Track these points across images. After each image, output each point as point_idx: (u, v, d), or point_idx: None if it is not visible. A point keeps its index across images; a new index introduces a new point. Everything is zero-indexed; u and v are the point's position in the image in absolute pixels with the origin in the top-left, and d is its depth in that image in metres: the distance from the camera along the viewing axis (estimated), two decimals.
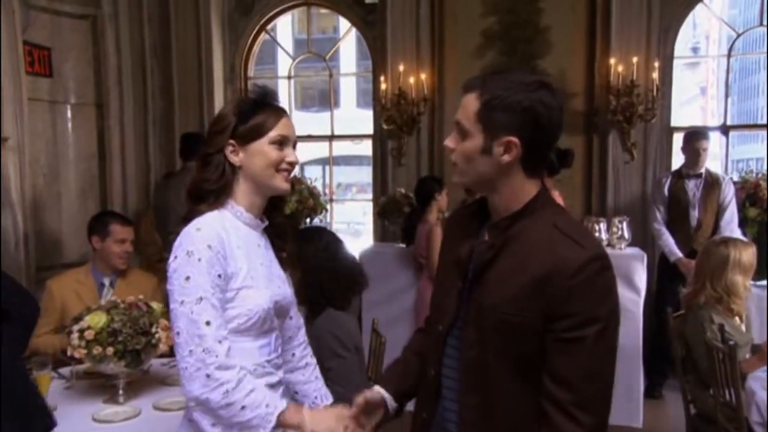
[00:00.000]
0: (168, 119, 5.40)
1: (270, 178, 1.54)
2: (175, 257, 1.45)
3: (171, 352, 1.71)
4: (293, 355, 1.75)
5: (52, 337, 2.72)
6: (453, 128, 1.36)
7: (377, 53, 5.27)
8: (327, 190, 5.65)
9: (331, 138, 5.88)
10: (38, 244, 4.27)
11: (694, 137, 4.28)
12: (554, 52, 4.82)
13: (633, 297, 3.74)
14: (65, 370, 2.43)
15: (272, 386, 1.57)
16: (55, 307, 2.79)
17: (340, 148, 7.70)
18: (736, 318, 2.88)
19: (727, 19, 6.03)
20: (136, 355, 2.16)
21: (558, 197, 2.96)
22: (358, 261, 2.56)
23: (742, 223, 4.15)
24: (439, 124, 5.00)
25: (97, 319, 2.15)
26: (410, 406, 1.54)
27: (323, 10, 5.97)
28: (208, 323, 1.41)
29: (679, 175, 4.31)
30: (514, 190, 1.30)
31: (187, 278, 1.42)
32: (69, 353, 2.17)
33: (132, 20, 5.07)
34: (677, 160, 4.72)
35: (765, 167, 4.73)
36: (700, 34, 20.01)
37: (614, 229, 4.05)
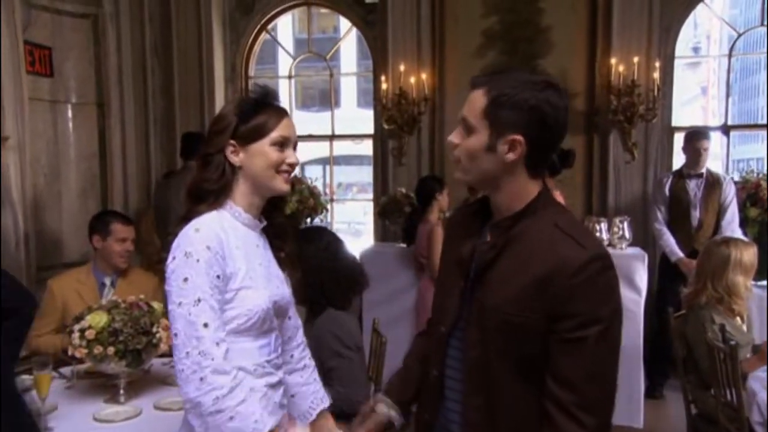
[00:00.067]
0: (169, 118, 5.41)
1: (270, 179, 1.53)
2: (174, 258, 1.44)
3: (171, 352, 1.71)
4: (291, 356, 1.74)
5: (53, 337, 2.72)
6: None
7: (378, 53, 5.27)
8: (327, 190, 5.66)
9: (332, 138, 5.88)
10: (39, 243, 4.27)
11: (695, 137, 4.28)
12: (555, 51, 4.82)
13: (634, 297, 3.74)
14: (66, 370, 2.43)
15: (272, 386, 1.57)
16: (56, 307, 2.79)
17: (341, 147, 7.71)
18: (737, 318, 2.87)
19: (727, 18, 6.03)
20: (137, 355, 2.16)
21: (559, 197, 2.95)
22: (359, 261, 2.57)
23: (743, 223, 4.15)
24: (440, 124, 5.00)
25: (98, 319, 2.15)
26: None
27: (324, 10, 5.98)
28: (206, 325, 1.40)
29: (680, 175, 4.30)
30: (516, 190, 1.30)
31: (186, 279, 1.42)
32: (70, 353, 2.18)
33: (133, 19, 5.07)
34: (678, 160, 4.72)
35: (765, 167, 4.73)
36: (701, 34, 20.00)
37: (615, 229, 4.05)
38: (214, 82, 5.41)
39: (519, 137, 1.25)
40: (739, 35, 5.27)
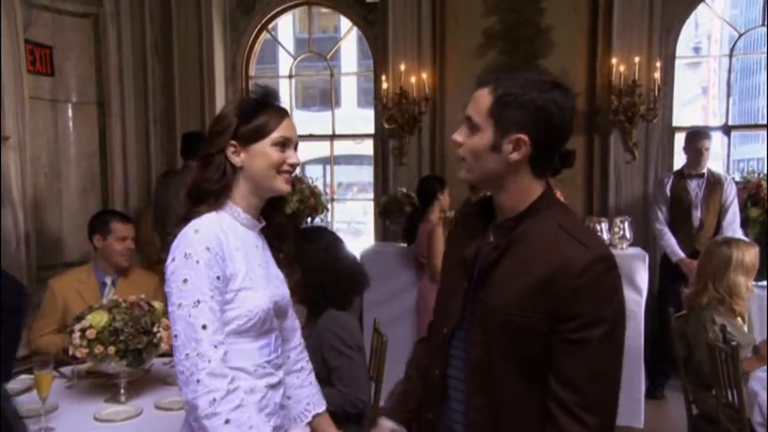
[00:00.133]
0: (169, 118, 5.41)
1: (271, 180, 1.52)
2: (173, 259, 1.44)
3: (172, 352, 1.70)
4: (288, 357, 1.73)
5: (54, 337, 2.72)
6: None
7: (378, 52, 5.27)
8: (328, 190, 5.65)
9: (332, 137, 5.88)
10: (39, 242, 4.27)
11: (696, 137, 4.28)
12: (556, 51, 4.81)
13: (635, 297, 3.73)
14: (66, 370, 2.43)
15: (273, 387, 1.56)
16: (57, 307, 2.79)
17: (341, 147, 7.70)
18: (738, 319, 2.87)
19: (728, 18, 6.03)
20: (138, 355, 2.16)
21: (560, 197, 2.95)
22: (359, 261, 2.56)
23: (744, 224, 4.15)
24: (441, 124, 5.00)
25: (98, 318, 2.15)
26: None
27: (324, 10, 5.97)
28: (204, 327, 1.40)
29: (681, 175, 4.30)
30: (520, 189, 1.30)
31: (185, 281, 1.41)
32: (71, 352, 2.17)
33: (133, 19, 5.07)
34: (679, 160, 4.72)
35: (766, 167, 4.73)
36: (702, 34, 19.99)
37: (616, 229, 4.05)
38: (215, 82, 5.41)
39: (524, 137, 1.25)
40: (740, 35, 5.27)
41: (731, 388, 2.55)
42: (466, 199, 4.01)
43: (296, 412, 1.74)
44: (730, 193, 4.16)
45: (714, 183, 4.21)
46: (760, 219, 4.08)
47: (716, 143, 4.67)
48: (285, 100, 1.63)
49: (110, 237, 2.88)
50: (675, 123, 4.90)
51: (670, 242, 4.23)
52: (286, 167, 1.53)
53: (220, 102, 5.39)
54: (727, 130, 5.02)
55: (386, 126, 5.05)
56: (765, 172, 4.33)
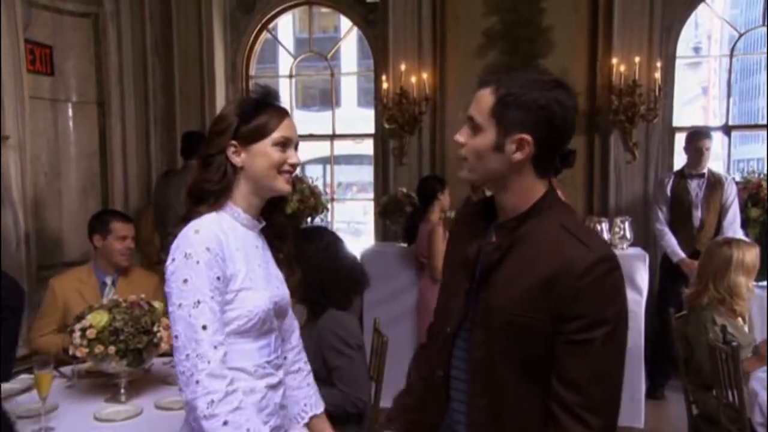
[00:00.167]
0: (169, 117, 5.40)
1: (272, 180, 1.52)
2: (173, 260, 1.44)
3: (172, 352, 1.70)
4: (286, 358, 1.73)
5: (54, 337, 2.72)
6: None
7: (379, 52, 5.27)
8: (328, 190, 5.65)
9: (333, 137, 5.88)
10: (39, 242, 4.27)
11: (697, 137, 4.28)
12: (556, 51, 4.81)
13: (635, 297, 3.73)
14: (67, 369, 2.43)
15: (273, 387, 1.56)
16: (57, 306, 2.79)
17: (341, 147, 7.69)
18: (739, 319, 2.87)
19: (728, 19, 6.02)
20: (138, 354, 2.16)
21: (562, 197, 2.95)
22: (359, 261, 2.56)
23: (744, 224, 4.14)
24: (441, 124, 5.00)
25: (99, 318, 2.15)
26: None
27: (324, 9, 5.97)
28: (204, 327, 1.40)
29: (682, 175, 4.30)
30: (523, 189, 1.30)
31: (185, 281, 1.41)
32: (71, 352, 2.17)
33: (134, 18, 5.07)
34: (679, 160, 4.72)
35: (766, 168, 4.72)
36: (702, 34, 20.00)
37: (616, 229, 4.05)
38: (215, 81, 5.40)
39: (527, 137, 1.24)
40: (740, 35, 5.27)
41: (732, 389, 2.55)
42: (466, 199, 4.01)
43: (293, 413, 1.73)
44: (731, 194, 4.16)
45: (714, 183, 4.20)
46: (760, 219, 4.08)
47: (716, 143, 4.67)
48: (285, 99, 1.63)
49: (110, 237, 2.88)
50: (675, 123, 4.91)
51: (671, 242, 4.23)
52: (286, 167, 1.53)
53: (220, 102, 5.39)
54: (727, 130, 5.02)
55: (386, 126, 5.05)
56: (765, 172, 4.33)
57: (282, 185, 1.54)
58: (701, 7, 4.93)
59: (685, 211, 4.24)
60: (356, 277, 2.38)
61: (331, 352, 2.18)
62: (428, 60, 5.01)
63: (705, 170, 4.24)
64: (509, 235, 1.30)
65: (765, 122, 5.60)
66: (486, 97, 1.28)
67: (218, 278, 1.43)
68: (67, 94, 4.59)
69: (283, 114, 1.54)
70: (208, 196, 1.51)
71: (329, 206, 4.81)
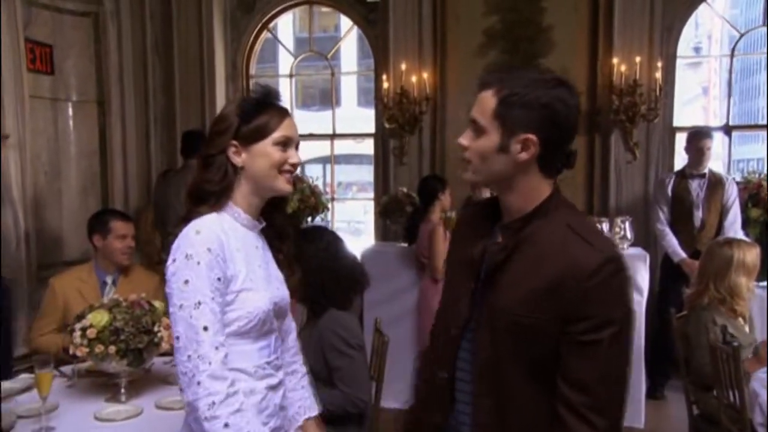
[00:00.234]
0: (169, 117, 5.40)
1: (272, 180, 1.52)
2: (174, 260, 1.43)
3: (173, 351, 1.70)
4: (282, 359, 1.73)
5: (54, 336, 2.71)
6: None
7: (379, 52, 5.26)
8: (328, 189, 5.65)
9: (333, 137, 5.88)
10: (39, 241, 4.27)
11: (698, 136, 4.27)
12: (557, 51, 4.81)
13: (636, 297, 3.73)
14: (67, 369, 2.42)
15: (273, 388, 1.56)
16: (57, 305, 2.79)
17: (341, 146, 7.69)
18: (740, 319, 2.87)
19: (727, 18, 6.02)
20: (138, 354, 2.16)
21: None
22: (360, 260, 2.56)
23: (745, 224, 4.14)
24: (442, 123, 4.99)
25: (99, 318, 2.15)
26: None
27: (325, 9, 5.96)
28: (205, 328, 1.39)
29: (683, 175, 4.30)
30: (529, 190, 1.29)
31: (186, 282, 1.40)
32: (71, 351, 2.17)
33: (134, 17, 5.07)
34: (679, 160, 4.72)
35: (765, 168, 4.72)
36: (702, 34, 20.00)
37: (617, 229, 4.04)
38: (215, 81, 5.41)
39: (532, 136, 1.24)
40: (741, 35, 5.27)
41: (732, 389, 2.55)
42: (467, 199, 4.01)
43: (287, 415, 1.73)
44: (732, 194, 4.16)
45: (715, 183, 4.20)
46: (760, 219, 4.08)
47: (717, 143, 4.67)
48: (285, 99, 1.62)
49: (110, 236, 2.87)
50: (676, 123, 4.90)
51: (672, 243, 4.23)
52: (287, 167, 1.52)
53: (220, 101, 5.39)
54: (728, 130, 5.02)
55: (387, 125, 5.05)
56: (765, 172, 4.33)
57: (283, 185, 1.53)
58: (702, 6, 4.92)
59: (686, 211, 4.24)
60: (356, 277, 2.37)
61: (333, 353, 2.18)
62: (429, 59, 5.01)
63: (706, 170, 4.24)
64: (515, 236, 1.29)
65: (765, 122, 5.60)
66: (488, 99, 1.27)
67: (219, 279, 1.43)
68: (67, 93, 4.60)
69: (284, 113, 1.54)
70: (209, 196, 1.50)
71: (329, 206, 4.81)
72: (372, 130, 5.46)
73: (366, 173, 8.56)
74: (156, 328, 2.19)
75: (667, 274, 4.31)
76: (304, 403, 1.77)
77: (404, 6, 5.03)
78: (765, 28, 4.94)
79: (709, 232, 4.16)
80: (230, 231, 1.49)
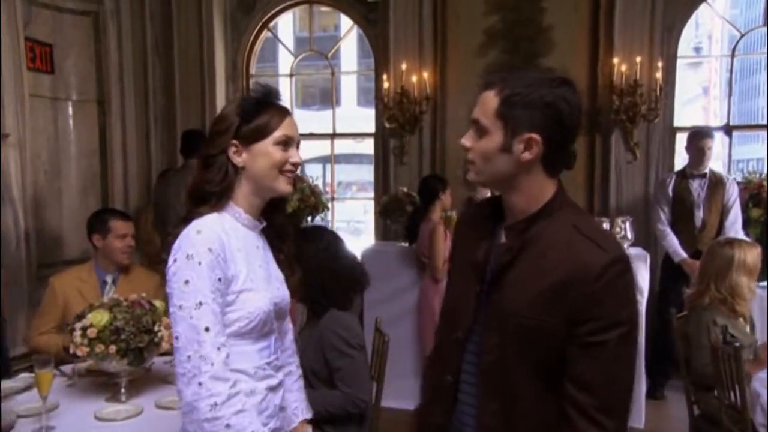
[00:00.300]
0: (169, 116, 5.40)
1: (273, 180, 1.51)
2: (175, 260, 1.43)
3: (173, 351, 1.70)
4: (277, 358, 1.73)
5: (53, 336, 2.71)
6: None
7: (379, 51, 5.26)
8: (328, 189, 5.64)
9: (333, 136, 5.87)
10: (39, 240, 4.27)
11: (699, 136, 4.27)
12: (557, 50, 4.81)
13: (636, 297, 3.73)
14: (67, 368, 2.42)
15: (273, 389, 1.56)
16: (57, 304, 2.78)
17: (341, 146, 7.69)
18: (741, 319, 2.87)
19: (728, 18, 6.02)
20: (139, 354, 2.16)
21: None
22: (360, 260, 2.55)
23: (746, 224, 4.14)
24: (442, 123, 4.98)
25: (99, 317, 2.14)
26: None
27: (325, 8, 5.96)
28: (207, 329, 1.39)
29: (683, 175, 4.29)
30: (533, 190, 1.28)
31: (187, 282, 1.40)
32: (71, 351, 2.17)
33: (134, 17, 5.07)
34: (680, 160, 4.71)
35: (765, 168, 4.72)
36: (703, 34, 20.00)
37: (617, 229, 4.03)
38: (215, 80, 5.40)
39: (535, 136, 1.23)
40: (742, 35, 5.26)
41: (733, 389, 2.54)
42: (468, 199, 4.01)
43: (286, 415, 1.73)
44: (733, 194, 4.16)
45: (716, 183, 4.20)
46: (761, 219, 4.08)
47: (717, 143, 4.66)
48: (285, 98, 1.61)
49: (110, 235, 2.87)
50: (676, 123, 4.90)
51: (673, 243, 4.22)
52: (288, 167, 1.52)
53: (220, 101, 5.38)
54: (728, 130, 5.01)
55: (387, 125, 5.04)
56: (765, 172, 4.33)
57: (283, 186, 1.53)
58: (702, 6, 4.92)
59: (686, 211, 4.23)
60: (356, 277, 2.37)
61: (333, 353, 2.18)
62: (429, 59, 5.01)
63: (707, 170, 4.24)
64: (520, 237, 1.28)
65: (765, 122, 5.59)
66: (490, 99, 1.26)
67: (219, 279, 1.43)
68: (67, 92, 4.59)
69: (284, 113, 1.53)
70: (210, 196, 1.50)
71: (329, 205, 4.81)
72: (372, 129, 5.45)
73: (366, 173, 8.56)
74: (156, 328, 2.19)
75: (667, 274, 4.31)
76: (300, 404, 1.77)
77: (404, 5, 5.03)
78: (765, 28, 4.94)
79: (709, 232, 4.15)
80: (231, 231, 1.49)
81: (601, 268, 1.19)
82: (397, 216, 4.55)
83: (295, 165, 1.53)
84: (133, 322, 2.15)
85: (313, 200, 4.35)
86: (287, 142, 1.52)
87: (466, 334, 1.36)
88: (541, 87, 1.23)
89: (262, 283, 1.53)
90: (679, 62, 4.94)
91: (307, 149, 5.64)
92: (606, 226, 4.01)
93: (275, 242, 1.64)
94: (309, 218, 4.40)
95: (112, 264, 2.89)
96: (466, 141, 1.30)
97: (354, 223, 9.33)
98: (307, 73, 7.71)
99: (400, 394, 3.44)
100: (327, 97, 6.91)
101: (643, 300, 3.80)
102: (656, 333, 4.19)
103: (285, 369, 1.70)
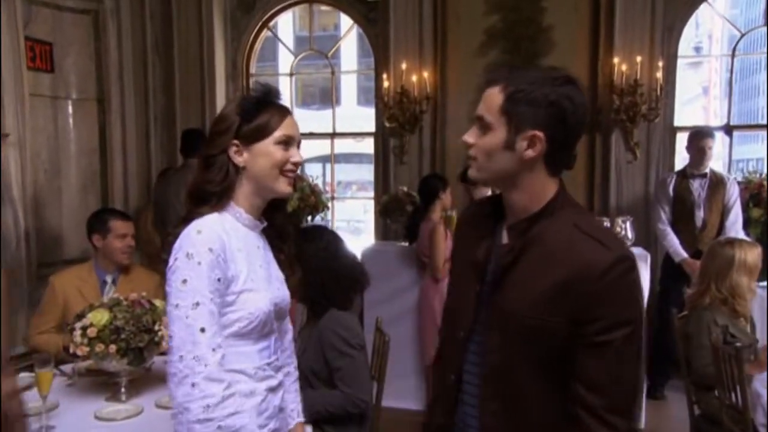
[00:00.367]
0: (169, 115, 5.40)
1: (273, 180, 1.50)
2: (176, 259, 1.42)
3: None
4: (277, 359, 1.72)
5: (53, 336, 2.71)
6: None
7: (379, 51, 5.26)
8: (328, 188, 5.64)
9: (333, 135, 5.87)
10: (39, 240, 4.27)
11: (699, 136, 4.27)
12: (557, 50, 4.80)
13: None
14: (67, 368, 2.42)
15: (272, 389, 1.55)
16: (57, 303, 2.78)
17: (341, 145, 7.68)
18: (741, 319, 2.87)
19: (728, 18, 6.01)
20: (139, 353, 2.15)
21: None
22: (359, 260, 2.55)
23: (746, 224, 4.14)
24: (442, 123, 4.98)
25: (99, 317, 2.14)
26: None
27: (325, 8, 5.95)
28: (203, 330, 1.38)
29: (684, 175, 4.29)
30: (535, 188, 1.27)
31: (184, 281, 1.39)
32: (71, 350, 2.16)
33: (134, 16, 5.06)
34: (680, 159, 4.71)
35: (765, 168, 4.72)
36: (703, 34, 20.00)
37: (618, 229, 4.03)
38: (215, 80, 5.40)
39: (538, 133, 1.22)
40: (742, 35, 5.26)
41: (734, 389, 2.54)
42: (471, 198, 4.00)
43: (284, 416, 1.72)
44: (733, 194, 4.16)
45: (717, 183, 4.20)
46: (761, 219, 4.08)
47: (717, 143, 4.66)
48: (285, 98, 1.61)
49: (110, 235, 2.87)
50: (676, 123, 4.89)
51: (673, 242, 4.22)
52: (289, 166, 1.51)
53: (220, 100, 5.38)
54: (728, 130, 5.01)
55: (387, 124, 5.04)
56: (765, 172, 4.33)
57: (283, 187, 1.52)
58: (702, 6, 4.91)
59: (687, 211, 4.23)
60: (356, 276, 2.37)
61: (333, 353, 2.17)
62: (429, 58, 5.00)
63: (707, 170, 4.23)
64: (522, 237, 1.27)
65: (765, 122, 5.59)
66: (495, 96, 1.26)
67: (219, 280, 1.42)
68: (67, 91, 4.59)
69: (285, 112, 1.53)
70: (210, 196, 1.49)
71: (329, 205, 4.80)
72: (372, 129, 5.45)
73: (366, 172, 8.55)
74: (156, 327, 2.19)
75: (668, 274, 4.30)
76: (297, 406, 1.76)
77: (405, 5, 5.03)
78: (765, 28, 4.93)
79: (710, 232, 4.15)
80: (232, 231, 1.48)
81: (606, 267, 1.18)
82: (397, 215, 4.55)
83: (296, 164, 1.53)
84: (133, 322, 2.15)
85: (313, 200, 4.35)
86: (288, 142, 1.51)
87: (467, 333, 1.35)
88: (545, 85, 1.22)
89: (263, 284, 1.52)
90: (680, 62, 4.93)
91: (307, 149, 5.62)
92: (606, 225, 4.01)
93: (276, 242, 1.64)
94: (309, 218, 4.40)
95: (112, 264, 2.89)
96: (469, 137, 1.30)
97: (354, 223, 9.32)
98: (307, 73, 7.71)
99: (401, 394, 3.45)
100: (327, 96, 6.90)
101: (643, 300, 3.80)
102: (657, 333, 4.18)
103: (284, 369, 1.70)
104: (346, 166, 14.16)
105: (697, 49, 16.32)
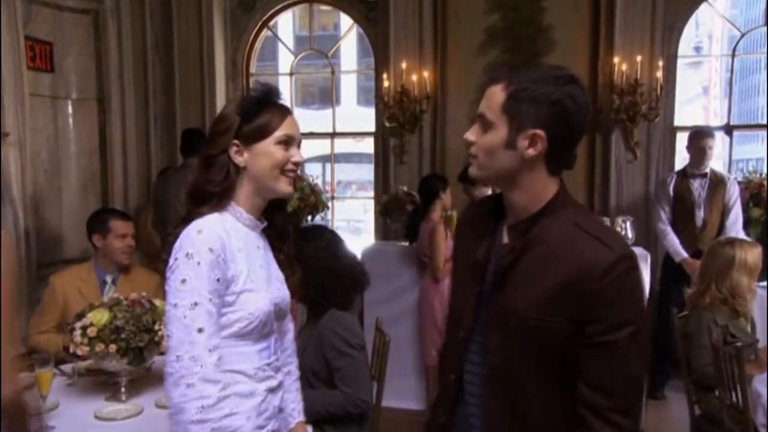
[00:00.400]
0: (169, 115, 5.40)
1: (274, 180, 1.50)
2: (175, 259, 1.42)
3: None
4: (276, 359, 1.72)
5: (53, 336, 2.71)
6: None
7: (379, 50, 5.25)
8: (328, 188, 5.64)
9: (333, 135, 5.87)
10: (39, 240, 4.27)
11: (700, 135, 4.27)
12: (557, 50, 4.80)
13: None
14: (67, 367, 2.42)
15: (272, 390, 1.55)
16: (56, 303, 2.78)
17: (341, 145, 7.68)
18: (741, 319, 2.86)
19: (728, 18, 6.01)
20: (139, 353, 2.15)
21: None
22: (360, 260, 2.55)
23: (746, 224, 4.14)
24: (442, 122, 4.97)
25: (99, 316, 2.14)
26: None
27: (325, 7, 5.95)
28: (200, 330, 1.38)
29: (684, 175, 4.29)
30: (535, 188, 1.27)
31: (183, 281, 1.39)
32: (71, 350, 2.16)
33: (134, 15, 5.06)
34: (680, 159, 4.71)
35: (765, 168, 4.72)
36: (703, 34, 20.00)
37: (618, 229, 4.03)
38: (215, 79, 5.39)
39: (540, 132, 1.22)
40: (742, 35, 5.26)
41: (735, 389, 2.54)
42: (471, 198, 4.00)
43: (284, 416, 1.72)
44: (734, 193, 4.15)
45: (717, 183, 4.19)
46: (762, 219, 4.08)
47: (717, 143, 4.66)
48: (285, 97, 1.61)
49: (110, 235, 2.87)
50: (676, 122, 4.89)
51: (673, 242, 4.22)
52: (290, 166, 1.51)
53: (220, 99, 5.38)
54: (728, 129, 5.01)
55: (387, 124, 5.03)
56: (765, 172, 4.33)
57: (284, 187, 1.52)
58: (702, 6, 4.91)
59: (687, 211, 4.23)
60: (356, 276, 2.37)
61: (333, 353, 2.17)
62: (429, 58, 5.00)
63: (707, 170, 4.23)
64: (522, 237, 1.27)
65: (765, 122, 5.59)
66: (497, 93, 1.25)
67: (218, 280, 1.42)
68: (67, 90, 4.59)
69: (285, 112, 1.53)
70: (211, 197, 1.49)
71: (329, 204, 4.80)
72: (372, 128, 5.45)
73: (366, 172, 8.55)
74: (156, 327, 2.18)
75: (668, 273, 4.30)
76: (297, 406, 1.76)
77: (405, 4, 5.03)
78: (765, 28, 4.93)
79: (710, 232, 4.15)
80: (232, 231, 1.48)
81: (608, 266, 1.18)
82: (397, 215, 4.55)
83: (297, 164, 1.53)
84: (133, 321, 2.15)
85: (313, 199, 4.35)
86: (288, 142, 1.51)
87: (467, 333, 1.35)
88: (548, 84, 1.22)
89: (263, 284, 1.52)
90: (680, 62, 4.93)
91: (307, 148, 5.62)
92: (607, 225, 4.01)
93: (276, 242, 1.63)
94: (309, 217, 4.40)
95: (112, 264, 2.89)
96: (471, 135, 1.30)
97: (354, 223, 9.32)
98: (307, 72, 7.70)
99: (401, 394, 3.45)
100: (327, 96, 6.90)
101: (644, 299, 3.79)
102: (657, 333, 4.18)
103: (284, 369, 1.70)
104: (346, 165, 14.16)
105: (697, 49, 16.31)
